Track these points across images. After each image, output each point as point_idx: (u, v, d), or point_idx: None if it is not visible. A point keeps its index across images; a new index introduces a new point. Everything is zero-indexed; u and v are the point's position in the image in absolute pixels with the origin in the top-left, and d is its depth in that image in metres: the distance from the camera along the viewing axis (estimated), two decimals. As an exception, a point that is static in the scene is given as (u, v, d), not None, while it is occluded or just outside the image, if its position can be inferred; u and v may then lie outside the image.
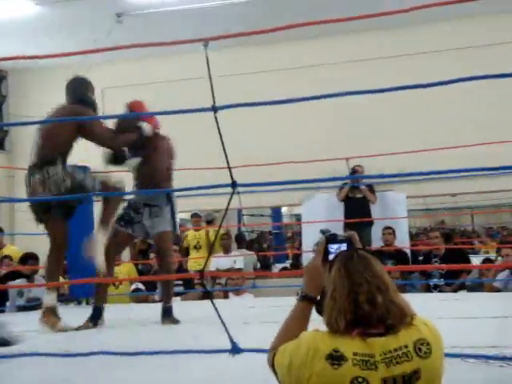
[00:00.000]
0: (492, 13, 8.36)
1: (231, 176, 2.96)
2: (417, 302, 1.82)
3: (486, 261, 7.92)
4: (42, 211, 4.44)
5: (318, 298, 1.83)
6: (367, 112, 8.74)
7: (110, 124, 4.79)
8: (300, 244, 9.19)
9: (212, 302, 2.86)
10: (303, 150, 8.83)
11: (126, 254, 9.18)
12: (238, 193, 3.13)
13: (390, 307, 1.64)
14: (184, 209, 9.68)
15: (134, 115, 4.66)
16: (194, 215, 9.19)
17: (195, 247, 8.89)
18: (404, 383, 1.60)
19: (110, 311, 5.06)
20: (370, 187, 8.45)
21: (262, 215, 11.17)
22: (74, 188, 4.34)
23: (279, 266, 10.01)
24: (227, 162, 2.97)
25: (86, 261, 4.47)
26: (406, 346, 1.62)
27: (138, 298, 7.40)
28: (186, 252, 8.85)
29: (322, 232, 1.91)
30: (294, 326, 1.81)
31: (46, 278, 4.70)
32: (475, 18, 8.55)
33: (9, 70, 10.49)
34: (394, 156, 7.66)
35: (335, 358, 1.59)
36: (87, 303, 6.22)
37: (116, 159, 4.75)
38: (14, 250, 8.34)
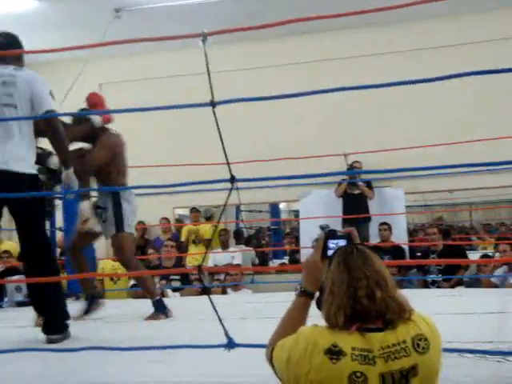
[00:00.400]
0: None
1: (230, 171, 2.96)
2: (414, 297, 1.82)
3: (484, 257, 7.95)
4: None
5: (317, 293, 1.83)
6: (365, 107, 8.75)
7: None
8: (298, 240, 9.20)
9: (209, 297, 2.87)
10: (301, 146, 8.84)
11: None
12: (237, 188, 3.14)
13: (388, 303, 1.65)
14: (183, 204, 9.73)
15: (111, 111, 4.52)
16: (193, 210, 9.21)
17: (193, 242, 8.91)
18: (402, 378, 1.61)
19: (109, 306, 5.07)
20: (368, 183, 8.46)
21: (260, 211, 11.17)
22: None
23: (277, 261, 10.01)
24: (226, 158, 2.97)
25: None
26: (405, 342, 1.63)
27: (135, 293, 7.40)
28: (184, 247, 8.87)
29: (322, 228, 1.92)
30: (293, 321, 1.81)
31: None
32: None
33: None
34: (391, 152, 7.68)
35: (334, 353, 1.60)
36: (86, 298, 6.21)
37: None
38: (12, 245, 8.34)
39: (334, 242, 1.86)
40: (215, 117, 3.03)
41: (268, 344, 1.81)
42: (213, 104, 3.03)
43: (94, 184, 4.84)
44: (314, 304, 1.84)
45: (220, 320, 2.73)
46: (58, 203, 5.51)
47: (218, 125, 3.02)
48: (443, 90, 7.92)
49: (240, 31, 3.29)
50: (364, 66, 8.88)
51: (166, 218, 9.49)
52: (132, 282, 7.58)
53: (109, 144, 4.77)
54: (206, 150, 8.51)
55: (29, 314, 4.06)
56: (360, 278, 1.66)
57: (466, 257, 7.48)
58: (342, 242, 1.86)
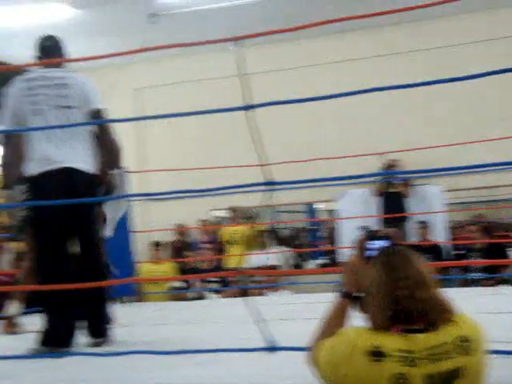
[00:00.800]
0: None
1: (265, 175, 2.96)
2: (455, 296, 1.80)
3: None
4: None
5: (357, 294, 1.83)
6: (401, 106, 8.68)
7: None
8: (335, 240, 9.15)
9: (248, 299, 2.87)
10: (337, 146, 8.82)
11: (164, 252, 9.28)
12: (273, 190, 3.13)
13: (430, 303, 1.64)
14: (219, 206, 9.76)
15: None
16: (230, 209, 9.19)
17: (230, 243, 8.92)
18: (444, 380, 1.59)
19: (149, 309, 5.13)
20: (406, 181, 8.39)
21: (296, 212, 11.14)
22: None
23: (314, 262, 9.97)
24: (262, 160, 2.97)
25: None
26: (447, 343, 1.61)
27: (176, 295, 7.47)
28: (222, 248, 8.89)
29: (362, 229, 1.92)
30: (333, 323, 1.81)
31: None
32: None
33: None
34: (428, 150, 7.60)
35: (375, 354, 1.59)
36: (121, 302, 6.30)
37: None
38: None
39: (375, 242, 1.85)
40: (250, 120, 3.03)
41: (308, 346, 1.80)
42: (248, 107, 3.03)
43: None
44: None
45: (261, 323, 2.73)
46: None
47: (253, 128, 3.02)
48: (481, 86, 7.82)
49: (274, 34, 3.29)
50: (401, 63, 8.83)
51: (203, 221, 9.54)
52: (172, 284, 7.66)
53: None
54: (243, 151, 8.58)
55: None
56: (401, 279, 1.64)
57: (505, 255, 7.34)
58: (383, 243, 1.85)
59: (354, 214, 7.63)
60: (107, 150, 3.86)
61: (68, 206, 3.57)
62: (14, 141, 3.79)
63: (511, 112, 8.37)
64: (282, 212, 10.83)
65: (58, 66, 3.89)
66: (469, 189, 9.03)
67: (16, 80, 3.79)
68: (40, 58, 3.91)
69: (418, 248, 7.25)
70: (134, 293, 6.78)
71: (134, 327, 3.93)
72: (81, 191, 3.62)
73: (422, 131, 8.66)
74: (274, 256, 8.16)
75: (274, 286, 7.27)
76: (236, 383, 2.58)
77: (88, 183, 3.71)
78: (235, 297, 6.99)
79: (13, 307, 4.66)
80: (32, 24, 8.28)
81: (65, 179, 3.61)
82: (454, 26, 8.89)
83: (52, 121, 3.66)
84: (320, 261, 9.91)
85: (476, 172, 7.77)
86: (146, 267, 8.25)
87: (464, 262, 7.43)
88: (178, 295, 7.63)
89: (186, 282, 7.67)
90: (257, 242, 8.53)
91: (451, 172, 7.60)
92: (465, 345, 1.61)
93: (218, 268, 7.71)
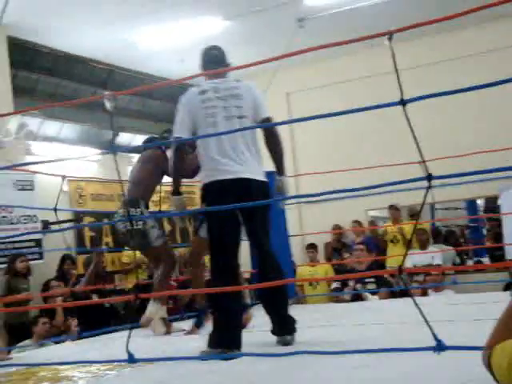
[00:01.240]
0: None
1: (426, 169, 2.88)
2: None
3: None
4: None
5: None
6: None
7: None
8: (499, 236, 8.72)
9: (413, 299, 2.80)
10: (497, 137, 8.41)
11: (321, 254, 9.33)
12: (431, 186, 3.03)
13: None
14: (375, 206, 9.65)
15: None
16: (391, 207, 9.03)
17: (392, 241, 8.79)
18: None
19: (310, 311, 5.15)
20: None
21: (456, 208, 10.76)
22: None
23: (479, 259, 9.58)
24: (421, 155, 2.89)
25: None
26: None
27: (337, 298, 7.47)
28: (380, 248, 8.79)
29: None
30: (510, 324, 1.71)
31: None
32: None
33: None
34: None
35: None
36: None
37: None
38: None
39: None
40: (406, 115, 2.97)
41: (484, 348, 1.72)
42: (403, 102, 2.97)
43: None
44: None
45: (427, 321, 2.65)
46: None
47: (409, 123, 2.95)
48: None
49: (426, 25, 3.20)
50: None
51: (357, 221, 9.47)
52: (334, 285, 7.65)
53: None
54: (395, 150, 8.42)
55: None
56: None
57: None
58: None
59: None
60: (276, 156, 3.91)
61: (243, 213, 3.71)
62: (187, 151, 3.98)
63: None
64: (441, 209, 10.52)
65: (224, 75, 3.96)
66: None
67: (189, 92, 3.88)
68: (207, 67, 4.01)
69: None
70: (293, 295, 6.85)
71: (299, 329, 3.97)
72: (258, 198, 3.64)
73: None
74: (437, 255, 7.93)
75: (437, 286, 7.05)
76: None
77: (265, 193, 3.78)
78: (394, 297, 6.87)
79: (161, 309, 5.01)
80: (185, 39, 8.68)
81: (242, 189, 3.67)
82: None
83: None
84: (484, 259, 9.52)
85: None
86: (303, 270, 8.34)
87: None
88: (336, 297, 7.62)
89: (344, 283, 7.63)
90: (417, 240, 8.33)
91: None
92: None
93: (373, 268, 7.60)
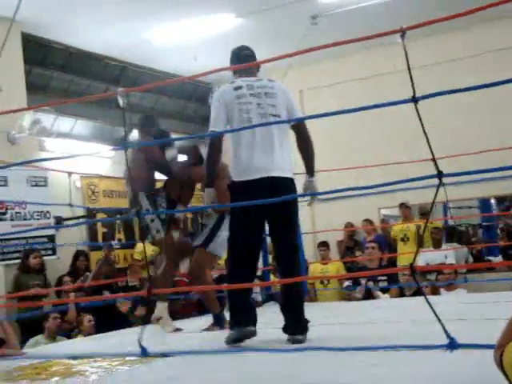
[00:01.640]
0: None
1: (436, 166, 2.87)
2: None
3: None
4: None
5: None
6: None
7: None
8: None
9: (425, 297, 2.80)
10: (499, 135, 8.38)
11: (334, 252, 9.31)
12: (443, 184, 3.04)
13: None
14: (387, 205, 9.62)
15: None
16: (402, 205, 9.01)
17: (402, 240, 8.76)
18: None
19: (322, 309, 5.15)
20: None
21: (469, 207, 10.70)
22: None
23: (492, 259, 9.52)
24: (432, 153, 2.88)
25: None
26: None
27: (348, 295, 7.46)
28: (391, 246, 8.77)
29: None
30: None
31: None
32: None
33: (214, 83, 11.09)
34: None
35: None
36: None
37: None
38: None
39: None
40: (418, 113, 2.96)
41: (496, 347, 1.71)
42: (415, 100, 2.96)
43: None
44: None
45: (439, 319, 2.64)
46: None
47: (421, 120, 2.95)
48: None
49: (437, 22, 3.18)
50: None
51: (368, 220, 9.45)
52: (346, 283, 7.64)
53: None
54: (408, 150, 8.39)
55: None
56: None
57: None
58: None
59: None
60: (308, 159, 3.98)
61: (270, 213, 3.76)
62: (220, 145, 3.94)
63: None
64: (454, 208, 10.47)
65: (253, 74, 4.05)
66: None
67: (223, 88, 3.95)
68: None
69: None
70: (306, 293, 6.85)
71: (310, 326, 3.98)
72: (287, 200, 3.72)
73: None
74: (450, 254, 7.90)
75: (449, 285, 7.02)
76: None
77: (293, 190, 3.84)
78: (406, 296, 6.85)
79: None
80: (198, 36, 8.69)
81: (271, 188, 3.70)
82: None
83: (262, 130, 3.77)
84: (498, 258, 9.46)
85: None
86: (315, 267, 8.33)
87: None
88: (347, 295, 7.61)
89: (356, 281, 7.62)
90: (430, 239, 8.31)
91: None
92: None
93: (386, 267, 7.59)
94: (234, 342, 3.75)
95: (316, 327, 3.97)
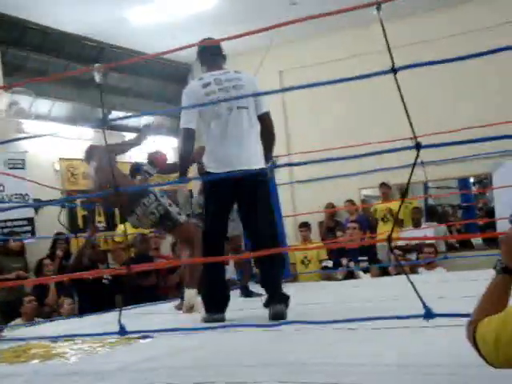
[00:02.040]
0: None
1: (415, 138, 2.87)
2: None
3: None
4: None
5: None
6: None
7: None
8: (491, 215, 8.75)
9: (408, 277, 2.80)
10: (490, 113, 8.40)
11: (315, 232, 9.34)
12: (423, 163, 3.03)
13: None
14: (368, 185, 9.65)
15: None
16: (382, 185, 9.05)
17: (383, 219, 8.81)
18: None
19: (302, 289, 5.16)
20: None
21: (449, 187, 10.77)
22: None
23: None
24: (410, 124, 2.87)
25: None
26: None
27: (326, 275, 7.51)
28: (372, 227, 8.81)
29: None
30: (494, 300, 1.71)
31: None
32: None
33: (193, 64, 11.00)
34: None
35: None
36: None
37: None
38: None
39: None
40: (397, 84, 2.94)
41: (468, 323, 1.73)
42: (394, 70, 2.95)
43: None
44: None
45: (416, 291, 2.66)
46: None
47: (400, 93, 2.93)
48: None
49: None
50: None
51: (350, 200, 9.48)
52: (324, 263, 7.69)
53: None
54: (388, 126, 8.39)
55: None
56: None
57: None
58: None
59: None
60: (268, 145, 4.14)
61: (240, 200, 4.06)
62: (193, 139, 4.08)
63: None
64: (434, 188, 10.52)
65: (220, 67, 4.18)
66: None
67: (192, 85, 4.15)
68: (208, 59, 4.20)
69: None
70: (288, 273, 6.87)
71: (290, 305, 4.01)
72: (254, 190, 3.98)
73: None
74: (430, 232, 7.96)
75: (429, 263, 7.08)
76: (392, 359, 2.53)
77: (263, 181, 4.04)
78: (386, 275, 6.90)
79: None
80: (177, 16, 8.60)
81: (240, 180, 3.89)
82: None
83: (231, 122, 3.95)
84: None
85: None
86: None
87: None
88: (328, 275, 7.65)
89: (337, 261, 7.66)
90: (412, 218, 8.36)
91: None
92: None
93: (367, 247, 7.63)
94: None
95: (296, 306, 3.99)
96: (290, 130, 10.08)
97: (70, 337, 3.74)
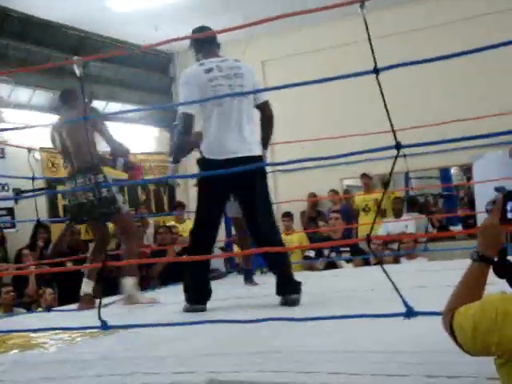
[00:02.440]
0: None
1: (395, 137, 2.89)
2: None
3: None
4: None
5: (496, 258, 1.74)
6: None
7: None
8: (472, 205, 8.83)
9: (382, 267, 2.82)
10: (472, 106, 8.46)
11: (297, 222, 9.35)
12: (404, 155, 3.05)
13: None
14: (350, 175, 9.68)
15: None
16: (364, 176, 9.10)
17: (364, 210, 8.85)
18: None
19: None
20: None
21: (430, 177, 10.84)
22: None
23: (452, 228, 9.68)
24: (391, 124, 2.89)
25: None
26: None
27: (307, 265, 7.51)
28: (354, 217, 8.85)
29: (498, 189, 1.81)
30: (470, 288, 1.73)
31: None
32: None
33: (175, 52, 10.95)
34: None
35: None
36: (261, 272, 6.44)
37: None
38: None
39: (516, 203, 1.75)
40: (379, 84, 2.95)
41: (445, 312, 1.74)
42: (376, 71, 2.95)
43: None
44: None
45: (396, 288, 2.67)
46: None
47: (382, 92, 2.94)
48: None
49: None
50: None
51: (334, 190, 9.51)
52: (305, 253, 7.70)
53: None
54: (370, 119, 8.42)
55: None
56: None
57: None
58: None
59: (493, 177, 7.26)
60: (267, 134, 4.19)
61: (238, 188, 4.01)
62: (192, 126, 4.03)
63: None
64: (416, 178, 10.59)
65: (217, 54, 4.13)
66: None
67: (193, 69, 4.02)
68: (203, 47, 4.11)
69: None
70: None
71: (270, 296, 4.03)
72: (255, 178, 3.97)
73: None
74: (410, 223, 8.00)
75: (409, 254, 7.12)
76: (372, 349, 2.55)
77: (262, 172, 4.08)
78: (368, 265, 6.92)
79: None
80: (159, 4, 8.55)
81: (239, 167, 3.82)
82: None
83: (234, 109, 3.94)
84: (458, 227, 9.62)
85: None
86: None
87: None
88: (309, 265, 7.66)
89: (319, 252, 7.67)
90: (393, 209, 8.40)
91: None
92: None
93: (348, 237, 7.66)
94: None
95: (276, 297, 4.00)
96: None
97: (49, 330, 3.70)
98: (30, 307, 6.37)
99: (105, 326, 3.13)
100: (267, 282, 4.82)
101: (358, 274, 5.95)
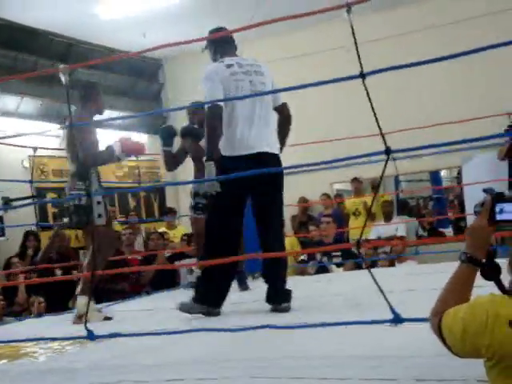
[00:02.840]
0: None
1: (385, 143, 2.88)
2: None
3: None
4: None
5: (483, 260, 1.74)
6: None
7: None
8: (462, 207, 8.85)
9: (369, 271, 2.81)
10: (459, 109, 8.48)
11: (288, 226, 9.33)
12: (394, 159, 3.06)
13: None
14: (340, 179, 9.69)
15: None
16: (354, 180, 9.13)
17: (354, 214, 8.86)
18: None
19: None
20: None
21: (420, 180, 10.87)
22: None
23: (443, 231, 9.70)
24: (379, 128, 2.89)
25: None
26: None
27: (299, 269, 7.51)
28: (344, 221, 8.85)
29: (486, 191, 1.81)
30: (458, 290, 1.73)
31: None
32: None
33: (163, 58, 10.94)
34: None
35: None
36: (253, 278, 6.42)
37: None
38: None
39: (502, 205, 1.75)
40: (366, 88, 2.95)
41: (432, 314, 1.73)
42: (362, 76, 2.95)
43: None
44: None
45: (384, 295, 2.67)
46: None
47: (369, 97, 2.94)
48: None
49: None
50: None
51: (326, 194, 9.52)
52: (302, 257, 7.70)
53: None
54: (361, 123, 8.44)
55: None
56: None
57: None
58: (511, 206, 1.74)
59: (482, 179, 7.28)
60: (284, 136, 4.18)
61: (260, 186, 3.91)
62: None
63: None
64: (406, 181, 10.61)
65: (235, 54, 4.15)
66: None
67: (215, 65, 4.01)
68: (222, 47, 4.12)
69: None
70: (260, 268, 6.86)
71: (262, 302, 4.02)
72: (276, 176, 3.98)
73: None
74: (400, 227, 8.01)
75: (400, 257, 7.13)
76: (361, 354, 2.54)
77: (279, 166, 4.07)
78: (358, 269, 6.92)
79: None
80: (146, 11, 8.53)
81: (261, 162, 3.81)
82: None
83: (257, 105, 3.94)
84: (448, 230, 9.65)
85: None
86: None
87: None
88: (301, 269, 7.65)
89: (310, 256, 7.67)
90: (383, 212, 8.41)
91: None
92: None
93: (340, 241, 7.65)
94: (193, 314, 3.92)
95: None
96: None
97: (38, 340, 3.65)
98: (20, 316, 6.32)
99: (91, 336, 3.11)
100: (260, 287, 4.80)
101: (349, 278, 5.94)
